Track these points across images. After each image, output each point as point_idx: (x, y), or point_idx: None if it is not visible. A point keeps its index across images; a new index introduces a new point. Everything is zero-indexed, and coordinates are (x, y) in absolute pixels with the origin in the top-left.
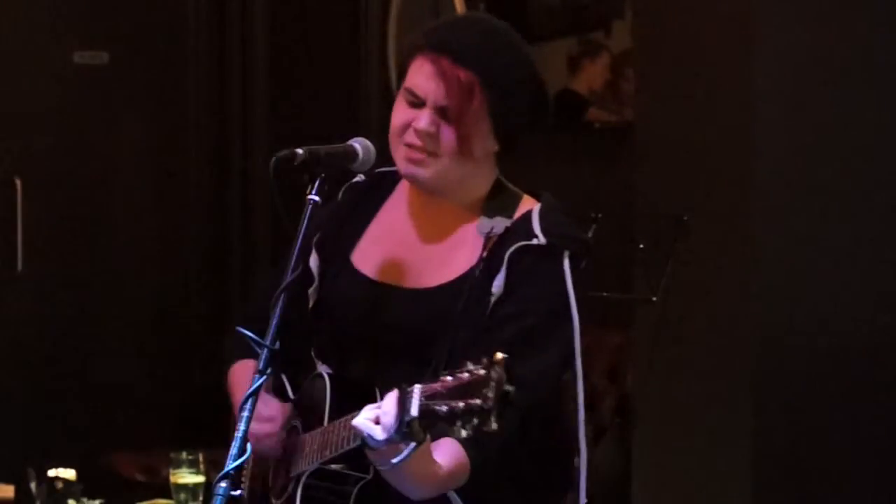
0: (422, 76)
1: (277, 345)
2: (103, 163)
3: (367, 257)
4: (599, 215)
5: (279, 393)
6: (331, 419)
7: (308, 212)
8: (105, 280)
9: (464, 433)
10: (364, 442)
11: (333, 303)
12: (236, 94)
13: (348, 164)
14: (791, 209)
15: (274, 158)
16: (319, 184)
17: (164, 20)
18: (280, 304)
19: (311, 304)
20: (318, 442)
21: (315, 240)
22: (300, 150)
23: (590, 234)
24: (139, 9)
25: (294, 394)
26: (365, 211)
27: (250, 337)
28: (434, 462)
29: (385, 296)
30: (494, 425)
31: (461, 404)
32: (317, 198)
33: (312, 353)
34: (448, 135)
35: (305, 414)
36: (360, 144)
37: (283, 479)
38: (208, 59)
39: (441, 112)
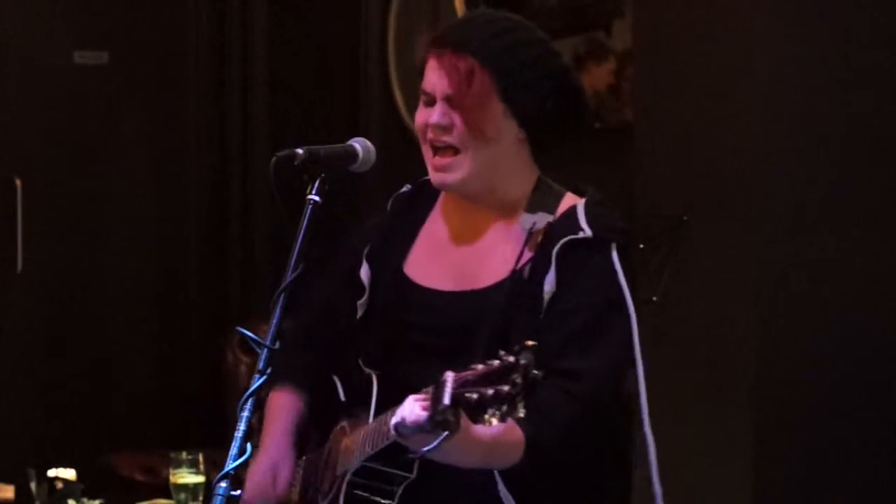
0: (430, 74)
1: (277, 345)
2: (103, 163)
3: (417, 265)
4: None
5: (329, 395)
6: (375, 417)
7: (308, 212)
8: (105, 280)
9: (494, 421)
10: (397, 432)
11: (385, 310)
12: (236, 94)
13: (348, 164)
14: (792, 209)
15: (274, 158)
16: (319, 184)
17: (164, 20)
18: (280, 304)
19: (360, 314)
20: (360, 439)
21: (366, 252)
22: (300, 150)
23: None
24: (139, 9)
25: (346, 396)
26: (412, 221)
27: (250, 337)
28: (476, 443)
29: (434, 299)
30: (521, 412)
31: (490, 391)
32: (317, 198)
33: (361, 362)
34: (459, 123)
35: (354, 414)
36: (359, 144)
37: (331, 478)
38: (208, 60)
39: (449, 102)
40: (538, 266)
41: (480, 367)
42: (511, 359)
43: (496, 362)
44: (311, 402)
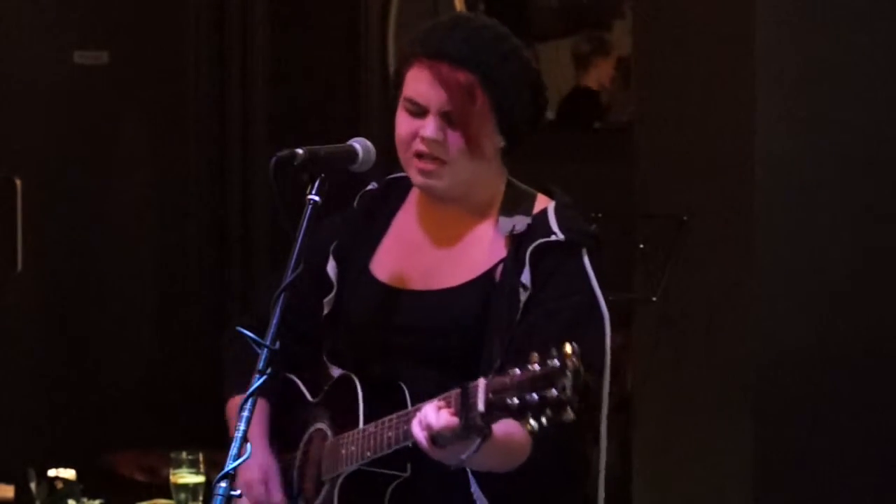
0: (421, 84)
1: (277, 345)
2: (103, 163)
3: (384, 265)
4: (599, 215)
5: (291, 394)
6: (366, 421)
7: (308, 212)
8: (104, 280)
9: (535, 425)
10: (433, 440)
11: (352, 309)
12: (236, 95)
13: (348, 164)
14: (791, 209)
15: (274, 158)
16: (319, 184)
17: (164, 20)
18: (280, 303)
19: (326, 311)
20: (357, 443)
21: (332, 248)
22: (300, 150)
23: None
24: (139, 9)
25: (313, 396)
26: (380, 219)
27: (250, 337)
28: (499, 446)
29: (404, 299)
30: (571, 415)
31: (535, 396)
32: (317, 198)
33: (325, 358)
34: (455, 139)
35: (333, 416)
36: (359, 144)
37: (314, 482)
38: (208, 60)
39: (446, 117)
40: (510, 267)
41: (518, 372)
42: (556, 363)
43: (537, 367)
44: (274, 403)
